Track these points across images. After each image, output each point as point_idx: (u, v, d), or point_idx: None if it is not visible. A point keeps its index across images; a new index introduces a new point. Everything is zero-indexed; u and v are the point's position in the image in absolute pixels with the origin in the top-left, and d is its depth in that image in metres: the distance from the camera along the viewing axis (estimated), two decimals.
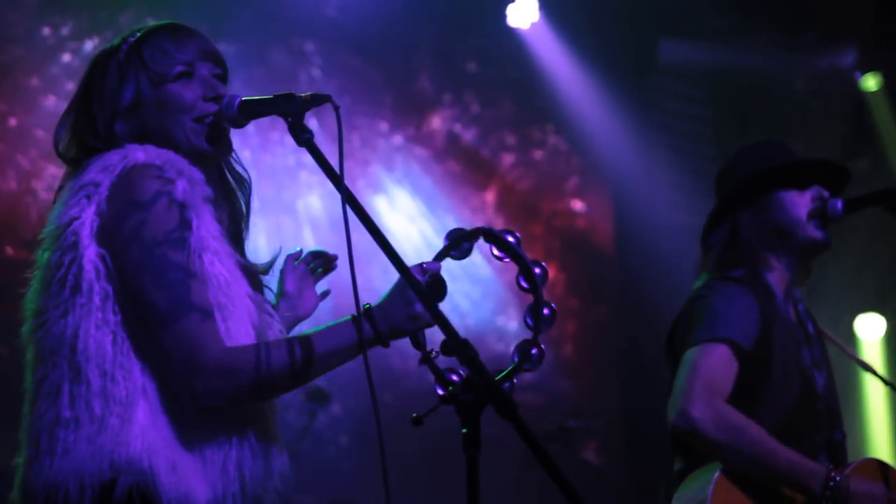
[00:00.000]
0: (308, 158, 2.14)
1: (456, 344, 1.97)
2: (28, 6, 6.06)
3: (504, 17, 6.96)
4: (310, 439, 5.59)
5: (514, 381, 2.19)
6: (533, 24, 7.06)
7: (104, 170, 2.15)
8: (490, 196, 7.28)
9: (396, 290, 2.15)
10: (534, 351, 2.17)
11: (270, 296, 2.44)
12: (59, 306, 2.13)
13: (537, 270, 2.19)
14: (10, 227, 5.83)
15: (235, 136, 2.35)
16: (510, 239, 2.20)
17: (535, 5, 6.99)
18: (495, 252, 2.23)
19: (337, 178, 2.08)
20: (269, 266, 2.47)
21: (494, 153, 7.31)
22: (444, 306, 2.10)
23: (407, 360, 5.83)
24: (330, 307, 2.59)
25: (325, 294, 2.60)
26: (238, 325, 2.16)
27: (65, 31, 6.12)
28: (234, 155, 2.39)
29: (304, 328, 2.35)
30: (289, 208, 6.45)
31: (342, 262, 2.45)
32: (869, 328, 7.58)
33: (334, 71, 6.77)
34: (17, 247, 5.79)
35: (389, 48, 6.85)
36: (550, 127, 7.47)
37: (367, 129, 6.86)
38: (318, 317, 2.48)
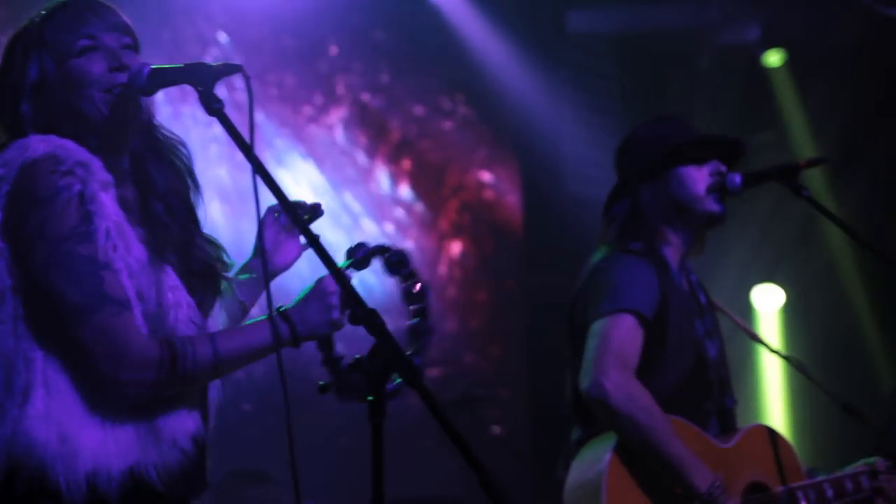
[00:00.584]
0: (218, 130, 2.14)
1: (363, 313, 2.01)
2: None
3: None
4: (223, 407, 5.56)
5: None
6: None
7: (4, 165, 2.14)
8: (398, 167, 7.27)
9: (315, 294, 2.19)
10: (417, 361, 2.23)
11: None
12: None
13: (419, 288, 2.26)
14: None
15: None
16: (395, 259, 2.26)
17: None
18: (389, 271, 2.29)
19: (247, 149, 2.10)
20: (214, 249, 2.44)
21: (403, 124, 7.30)
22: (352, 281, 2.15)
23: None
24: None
25: (314, 240, 2.60)
26: (149, 313, 2.17)
27: None
28: (158, 124, 2.37)
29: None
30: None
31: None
32: (767, 300, 7.77)
33: (241, 40, 6.69)
34: None
35: (297, 17, 6.79)
36: (460, 97, 7.47)
37: (274, 100, 6.78)
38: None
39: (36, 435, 2.07)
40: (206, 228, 2.44)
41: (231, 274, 2.46)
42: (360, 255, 2.23)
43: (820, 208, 3.22)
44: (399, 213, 7.19)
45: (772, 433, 3.27)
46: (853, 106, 7.15)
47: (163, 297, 2.20)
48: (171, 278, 2.23)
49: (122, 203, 2.22)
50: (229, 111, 2.14)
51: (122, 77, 2.23)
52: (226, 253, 2.45)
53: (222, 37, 6.69)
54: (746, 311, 7.64)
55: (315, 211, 2.52)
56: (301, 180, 6.82)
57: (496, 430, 5.52)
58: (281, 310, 2.17)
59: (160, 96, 2.34)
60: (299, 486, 2.10)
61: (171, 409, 2.19)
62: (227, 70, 2.17)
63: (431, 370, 6.87)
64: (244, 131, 2.11)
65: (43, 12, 2.29)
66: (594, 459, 3.00)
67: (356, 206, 6.92)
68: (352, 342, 2.21)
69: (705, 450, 3.06)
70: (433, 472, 5.97)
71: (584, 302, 3.18)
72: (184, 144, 2.41)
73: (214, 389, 2.33)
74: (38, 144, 2.14)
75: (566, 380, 3.26)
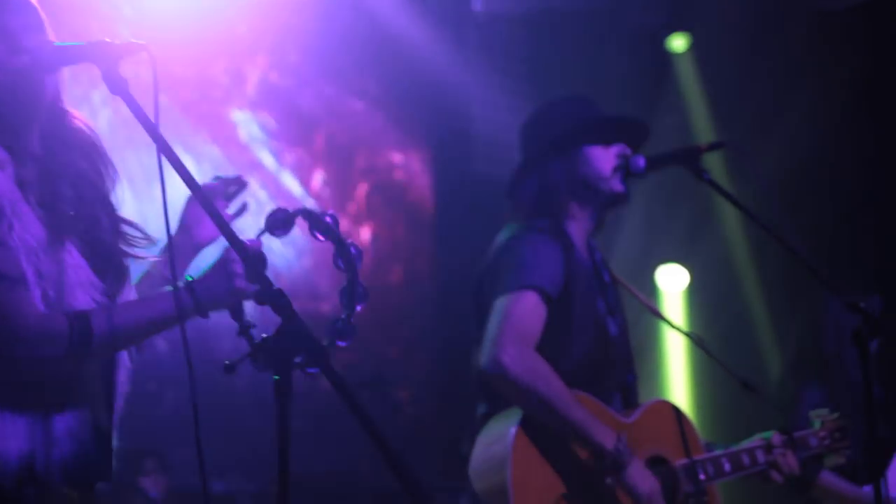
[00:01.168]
0: (124, 111, 2.12)
1: (270, 294, 2.01)
2: None
3: None
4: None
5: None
6: None
7: None
8: (307, 149, 7.22)
9: (219, 264, 2.18)
10: (346, 329, 2.23)
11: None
12: None
13: (353, 251, 2.25)
14: None
15: None
16: (328, 220, 2.25)
17: None
18: (317, 234, 2.28)
19: (153, 129, 2.08)
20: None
21: (312, 104, 7.26)
22: None
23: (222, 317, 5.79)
24: None
25: (241, 211, 2.58)
26: (48, 291, 2.15)
27: None
28: (70, 110, 2.34)
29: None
30: None
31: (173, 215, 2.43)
32: (671, 280, 7.90)
33: (147, 20, 6.57)
34: None
35: None
36: (370, 78, 7.47)
37: (179, 81, 6.68)
38: None
39: None
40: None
41: (157, 252, 2.45)
42: (281, 218, 2.22)
43: (720, 191, 3.29)
44: (310, 194, 7.16)
45: (672, 408, 3.34)
46: (755, 90, 7.29)
47: (64, 276, 2.18)
48: (73, 258, 2.21)
49: (20, 182, 2.20)
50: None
51: (23, 57, 2.20)
52: (146, 234, 2.42)
53: (128, 13, 6.59)
54: (651, 290, 7.76)
55: (240, 183, 2.53)
56: (207, 161, 6.75)
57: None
58: (185, 280, 2.17)
59: (68, 75, 2.31)
60: (205, 466, 2.09)
61: (70, 397, 2.18)
62: (131, 49, 2.15)
63: (341, 353, 6.87)
64: (151, 112, 2.09)
65: None
66: (499, 434, 3.04)
67: (264, 190, 6.88)
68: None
69: (608, 424, 3.12)
70: (341, 450, 5.98)
71: (490, 279, 3.21)
72: (88, 132, 2.38)
73: (124, 374, 2.32)
74: None
75: (473, 357, 3.29)
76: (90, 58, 2.15)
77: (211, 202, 2.18)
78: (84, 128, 2.37)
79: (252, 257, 2.09)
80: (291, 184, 7.07)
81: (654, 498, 3.04)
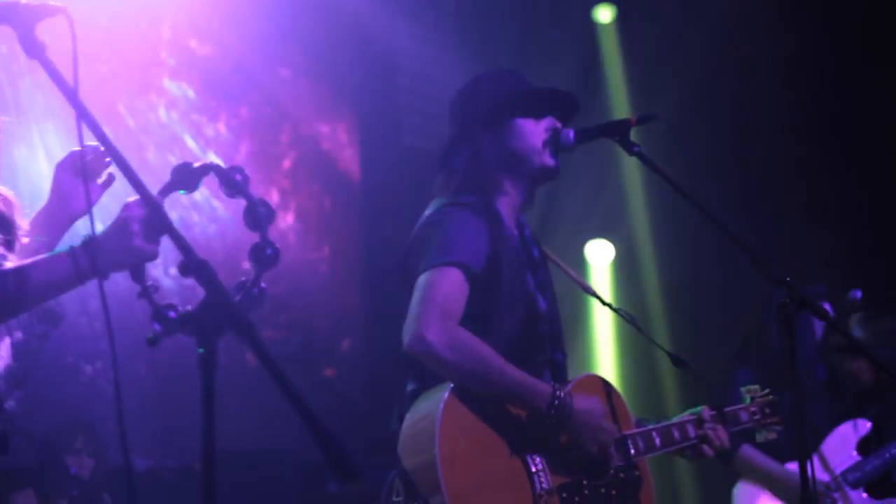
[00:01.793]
0: (42, 79, 2.06)
1: (194, 264, 1.96)
2: None
3: None
4: (42, 359, 5.39)
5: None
6: None
7: None
8: (230, 120, 7.09)
9: (117, 224, 2.13)
10: (255, 291, 2.19)
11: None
12: None
13: (261, 210, 2.20)
14: None
15: None
16: (237, 177, 2.19)
17: None
18: (224, 189, 2.22)
19: (71, 94, 2.02)
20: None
21: (235, 74, 7.12)
22: (188, 232, 2.08)
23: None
24: None
25: (109, 182, 2.52)
26: None
27: None
28: None
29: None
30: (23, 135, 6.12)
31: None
32: (598, 254, 7.95)
33: None
34: None
35: None
36: (296, 47, 7.36)
37: (96, 50, 6.49)
38: None
39: None
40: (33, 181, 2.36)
41: (31, 218, 2.38)
42: (187, 173, 2.16)
43: (650, 164, 3.28)
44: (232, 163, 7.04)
45: (602, 382, 3.33)
46: (684, 63, 7.32)
47: None
48: None
49: None
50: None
51: None
52: (14, 201, 2.36)
53: None
54: (580, 265, 7.80)
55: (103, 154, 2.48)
56: (126, 134, 6.59)
57: None
58: (82, 241, 2.11)
59: None
60: (128, 442, 2.03)
61: None
62: (48, 11, 2.08)
63: (277, 316, 6.80)
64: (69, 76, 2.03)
65: None
66: (426, 410, 3.01)
67: (188, 158, 6.75)
68: None
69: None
70: (270, 426, 5.92)
71: (415, 255, 3.18)
72: None
73: (5, 349, 2.26)
74: None
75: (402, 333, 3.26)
76: (4, 19, 2.07)
77: (129, 170, 2.09)
78: None
79: (153, 215, 2.04)
80: (213, 157, 6.94)
81: (605, 426, 3.07)
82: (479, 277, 3.10)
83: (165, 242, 2.08)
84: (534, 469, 3.03)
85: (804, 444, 2.94)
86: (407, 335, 3.00)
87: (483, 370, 2.97)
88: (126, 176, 2.02)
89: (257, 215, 2.19)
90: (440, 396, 2.98)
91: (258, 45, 7.16)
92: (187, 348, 2.00)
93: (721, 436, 3.40)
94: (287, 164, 7.30)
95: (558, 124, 3.36)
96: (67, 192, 2.47)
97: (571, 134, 3.35)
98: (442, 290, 3.02)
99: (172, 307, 2.08)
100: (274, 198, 7.15)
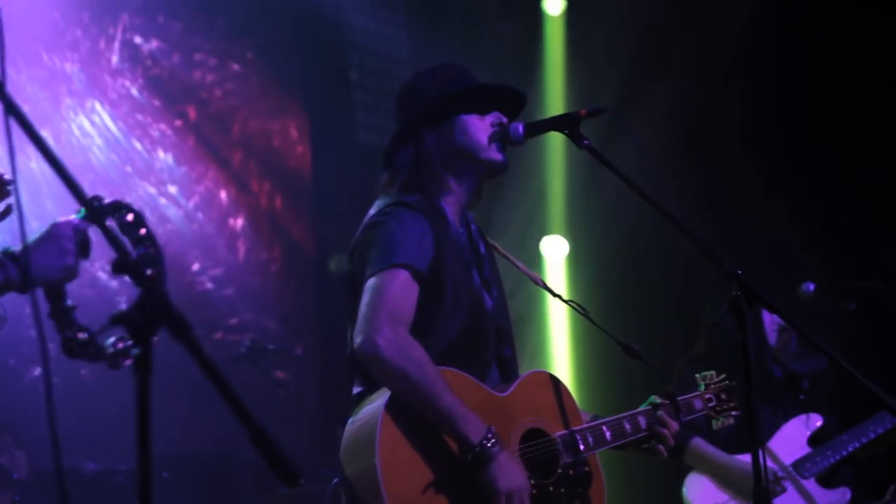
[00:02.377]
0: None
1: (128, 264, 1.91)
2: None
3: None
4: None
5: None
6: None
7: None
8: (177, 117, 6.96)
9: (51, 238, 2.07)
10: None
11: None
12: None
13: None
14: None
15: None
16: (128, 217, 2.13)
17: None
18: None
19: None
20: None
21: (185, 70, 7.03)
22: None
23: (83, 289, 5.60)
24: None
25: (6, 213, 2.45)
26: None
27: None
28: None
29: None
30: None
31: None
32: (553, 249, 7.95)
33: None
34: None
35: None
36: (247, 42, 7.28)
37: (36, 45, 6.36)
38: None
39: None
40: None
41: None
42: (96, 207, 2.10)
43: (600, 158, 3.24)
44: (182, 166, 6.93)
45: (550, 378, 3.30)
46: (631, 55, 7.33)
47: None
48: None
49: None
50: None
51: None
52: None
53: None
54: (535, 260, 7.79)
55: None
56: (73, 131, 6.48)
57: None
58: (8, 251, 2.05)
59: None
60: (59, 447, 1.97)
61: None
62: None
63: (229, 319, 6.73)
64: None
65: None
66: (368, 415, 2.96)
67: (134, 159, 6.64)
68: None
69: (482, 400, 3.05)
70: (221, 426, 5.84)
71: (360, 257, 3.13)
72: None
73: None
74: None
75: (348, 335, 3.21)
76: None
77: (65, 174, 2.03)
78: None
79: (84, 239, 1.99)
80: (161, 155, 6.84)
81: (515, 494, 2.95)
82: (425, 278, 3.06)
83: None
84: None
85: (756, 434, 2.92)
86: (357, 338, 2.95)
87: (422, 387, 2.91)
88: (62, 180, 1.95)
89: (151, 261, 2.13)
90: (382, 400, 2.94)
91: (208, 40, 7.07)
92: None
93: (674, 427, 3.37)
94: (237, 161, 7.21)
95: (504, 119, 3.33)
96: None
97: (521, 128, 3.31)
98: (391, 292, 2.98)
99: (83, 329, 2.03)
100: (223, 197, 7.06)
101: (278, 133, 7.39)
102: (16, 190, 2.06)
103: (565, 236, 8.01)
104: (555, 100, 7.55)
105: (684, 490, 5.04)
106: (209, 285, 6.76)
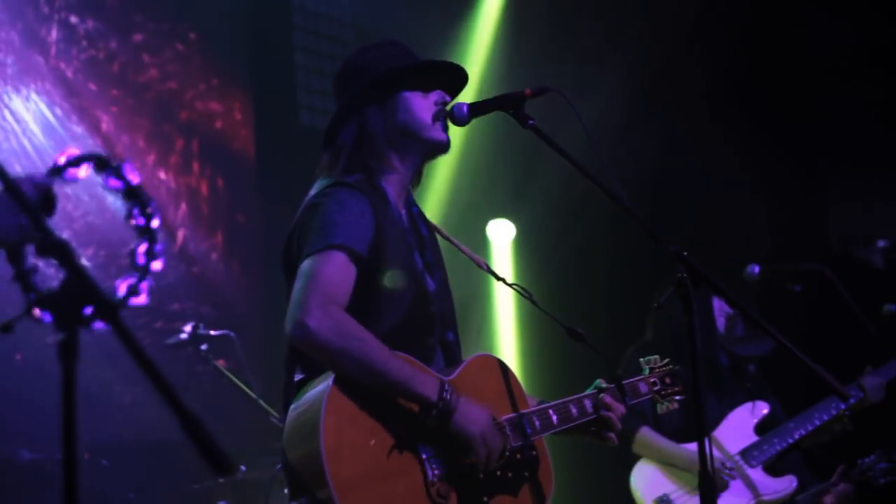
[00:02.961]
0: None
1: (52, 243, 1.82)
2: None
3: None
4: None
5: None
6: None
7: None
8: (119, 97, 6.81)
9: (5, 197, 1.97)
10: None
11: None
12: None
13: (151, 207, 2.07)
14: None
15: None
16: (130, 179, 2.06)
17: None
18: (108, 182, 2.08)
19: None
20: None
21: (126, 50, 6.86)
22: (75, 223, 1.95)
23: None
24: None
25: None
26: None
27: None
28: None
29: None
30: None
31: None
32: (499, 233, 7.93)
33: None
34: None
35: None
36: (189, 23, 7.14)
37: None
38: None
39: None
40: None
41: None
42: (68, 162, 2.02)
43: (545, 139, 3.19)
44: (121, 148, 6.78)
45: (495, 362, 3.25)
46: (578, 38, 7.31)
47: None
48: None
49: None
50: None
51: None
52: None
53: None
54: (481, 244, 7.75)
55: None
56: (5, 115, 6.32)
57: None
58: None
59: None
60: None
61: None
62: None
63: (170, 304, 6.61)
64: None
65: None
66: (310, 400, 2.89)
67: (70, 144, 6.49)
68: None
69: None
70: (160, 414, 5.75)
71: (299, 238, 3.05)
72: None
73: None
74: None
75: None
76: None
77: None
78: None
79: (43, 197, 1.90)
80: (105, 135, 6.68)
81: (487, 435, 2.95)
82: (365, 260, 2.99)
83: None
84: (425, 456, 2.93)
85: (702, 421, 2.89)
86: (289, 324, 2.86)
87: (367, 359, 2.84)
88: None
89: (145, 212, 2.05)
90: (325, 385, 2.86)
91: (147, 20, 6.92)
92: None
93: (620, 410, 3.34)
94: (179, 145, 7.08)
95: (447, 98, 3.28)
96: None
97: (465, 107, 3.26)
98: (325, 274, 2.89)
99: (38, 293, 1.93)
100: (164, 181, 6.94)
101: (222, 115, 7.27)
102: None
103: (511, 220, 7.98)
104: (496, 76, 7.51)
105: (632, 479, 5.03)
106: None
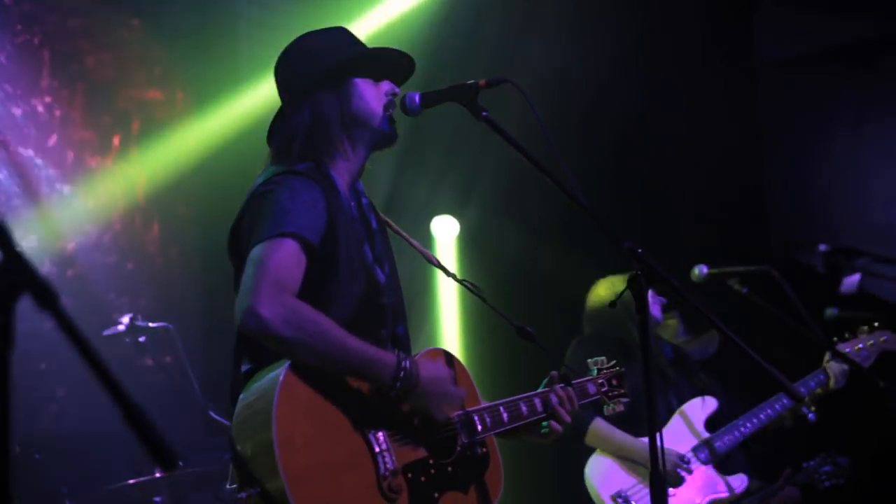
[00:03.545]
0: None
1: None
2: None
3: None
4: None
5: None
6: None
7: None
8: (57, 85, 6.63)
9: None
10: None
11: None
12: None
13: None
14: None
15: None
16: None
17: None
18: None
19: None
20: None
21: (61, 34, 6.66)
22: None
23: None
24: None
25: None
26: None
27: None
28: None
29: None
30: None
31: None
32: (444, 229, 7.89)
33: None
34: None
35: None
36: (130, 11, 6.99)
37: None
38: None
39: None
40: None
41: None
42: None
43: (499, 131, 3.13)
44: (59, 136, 6.61)
45: (447, 356, 3.21)
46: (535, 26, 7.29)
47: None
48: None
49: None
50: None
51: None
52: None
53: None
54: (427, 240, 7.71)
55: None
56: None
57: None
58: None
59: None
60: None
61: None
62: None
63: (107, 294, 6.48)
64: None
65: None
66: (262, 388, 2.82)
67: (3, 132, 6.30)
68: None
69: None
70: (99, 407, 5.63)
71: (248, 226, 2.97)
72: None
73: None
74: None
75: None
76: None
77: None
78: None
79: None
80: (40, 124, 6.51)
81: (451, 391, 2.97)
82: (316, 249, 2.91)
83: None
84: (377, 449, 2.88)
85: (653, 417, 2.86)
86: (239, 312, 2.78)
87: (323, 343, 2.78)
88: None
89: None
90: (276, 375, 2.79)
91: (88, 8, 6.76)
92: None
93: (569, 409, 3.31)
94: (118, 135, 6.91)
95: (397, 89, 3.22)
96: None
97: (417, 98, 3.21)
98: (276, 262, 2.81)
99: None
100: (100, 171, 6.77)
101: (162, 105, 7.13)
102: None
103: (455, 216, 7.95)
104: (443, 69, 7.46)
105: (587, 472, 4.94)
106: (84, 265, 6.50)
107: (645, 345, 2.86)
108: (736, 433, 4.98)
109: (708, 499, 4.92)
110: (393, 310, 3.17)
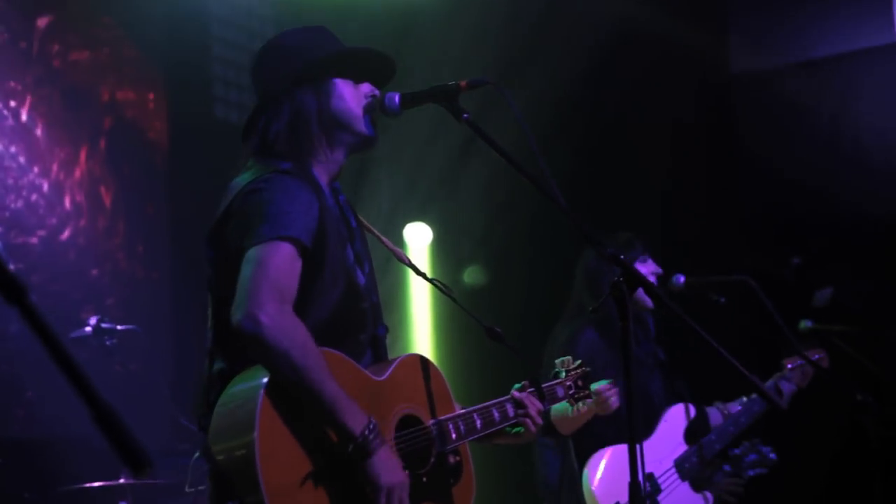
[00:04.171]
0: None
1: None
2: None
3: None
4: None
5: None
6: None
7: None
8: (31, 83, 6.53)
9: None
10: None
11: None
12: None
13: None
14: None
15: None
16: None
17: None
18: None
19: None
20: None
21: (28, 34, 6.55)
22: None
23: None
24: None
25: None
26: None
27: None
28: None
29: None
30: None
31: None
32: (417, 236, 7.87)
33: None
34: None
35: None
36: (103, 12, 6.90)
37: None
38: None
39: None
40: None
41: None
42: None
43: (480, 133, 3.08)
44: (31, 134, 6.51)
45: (425, 363, 3.17)
46: (509, 29, 7.27)
47: None
48: None
49: None
50: None
51: None
52: None
53: None
54: (398, 246, 7.67)
55: None
56: None
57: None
58: None
59: None
60: None
61: None
62: None
63: (73, 293, 6.40)
64: None
65: None
66: (243, 397, 2.74)
67: None
68: None
69: (361, 385, 2.90)
70: (64, 410, 5.54)
71: (240, 225, 2.88)
72: None
73: None
74: None
75: (213, 310, 2.99)
76: None
77: None
78: None
79: None
80: (6, 124, 6.40)
81: (396, 490, 2.81)
82: (309, 252, 2.86)
83: None
84: None
85: (634, 427, 2.82)
86: (237, 313, 2.70)
87: (305, 373, 2.70)
88: None
89: None
90: (258, 382, 2.71)
91: (62, 8, 6.67)
92: None
93: (540, 413, 3.28)
94: (90, 132, 6.81)
95: (376, 92, 3.17)
96: None
97: (397, 98, 3.15)
98: (276, 266, 2.75)
99: None
100: (70, 168, 6.68)
101: (135, 105, 7.04)
102: None
103: (428, 223, 7.92)
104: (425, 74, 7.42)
105: (585, 477, 4.74)
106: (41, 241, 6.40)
107: (626, 355, 2.81)
108: (710, 451, 4.93)
109: None
110: (372, 311, 3.12)
